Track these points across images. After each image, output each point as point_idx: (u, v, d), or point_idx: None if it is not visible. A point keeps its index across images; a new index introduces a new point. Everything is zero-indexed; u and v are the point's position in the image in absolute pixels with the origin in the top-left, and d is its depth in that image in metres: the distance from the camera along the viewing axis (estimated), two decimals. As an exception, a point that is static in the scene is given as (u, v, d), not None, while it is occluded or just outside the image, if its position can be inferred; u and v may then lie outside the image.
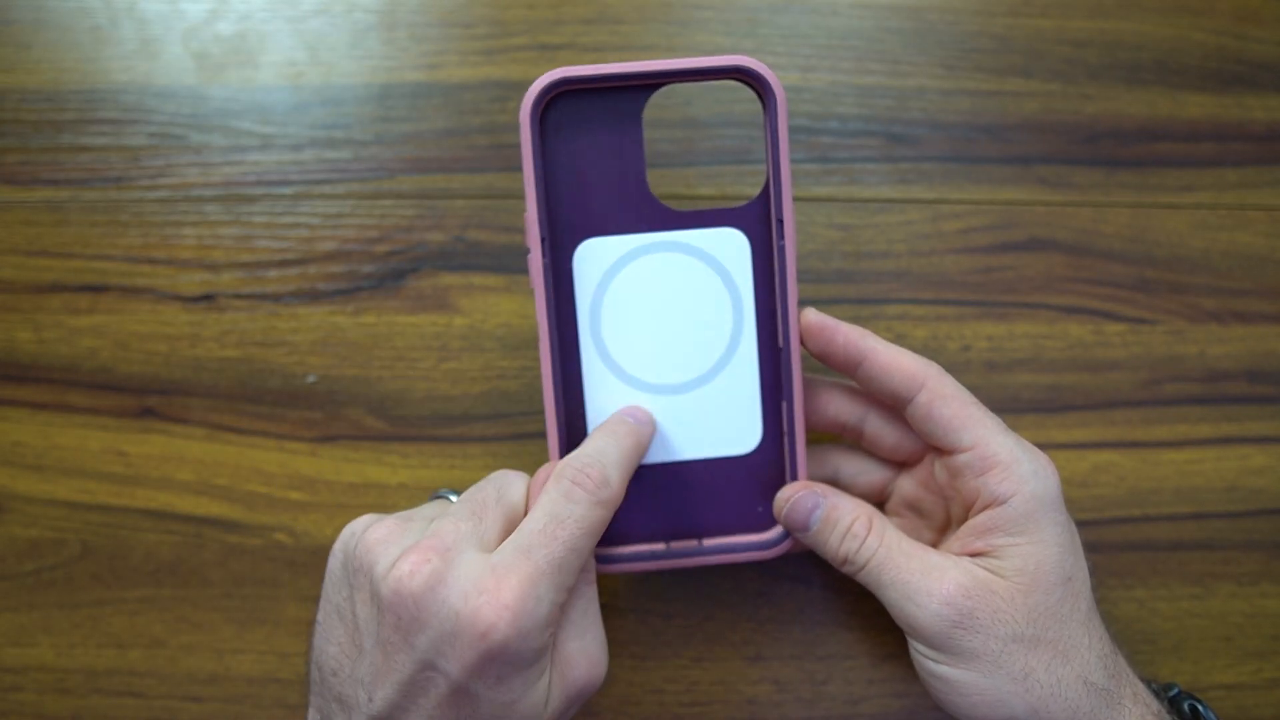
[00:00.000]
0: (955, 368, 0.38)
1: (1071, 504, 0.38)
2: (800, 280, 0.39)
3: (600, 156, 0.31)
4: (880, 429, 0.33)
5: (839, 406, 0.34)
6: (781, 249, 0.31)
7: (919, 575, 0.29)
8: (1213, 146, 0.40)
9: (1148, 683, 0.31)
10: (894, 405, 0.32)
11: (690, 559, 0.32)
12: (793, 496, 0.31)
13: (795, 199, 0.39)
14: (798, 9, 0.41)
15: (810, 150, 0.40)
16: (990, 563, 0.30)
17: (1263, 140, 0.41)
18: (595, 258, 0.31)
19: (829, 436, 0.36)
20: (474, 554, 0.27)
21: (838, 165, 0.40)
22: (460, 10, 0.40)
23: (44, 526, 0.37)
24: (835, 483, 0.35)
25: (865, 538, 0.30)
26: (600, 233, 0.31)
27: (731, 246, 0.32)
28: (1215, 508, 0.38)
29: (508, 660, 0.27)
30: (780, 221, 0.31)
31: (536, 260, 0.30)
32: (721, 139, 0.39)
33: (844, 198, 0.39)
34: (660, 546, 0.33)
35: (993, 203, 0.40)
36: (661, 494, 0.33)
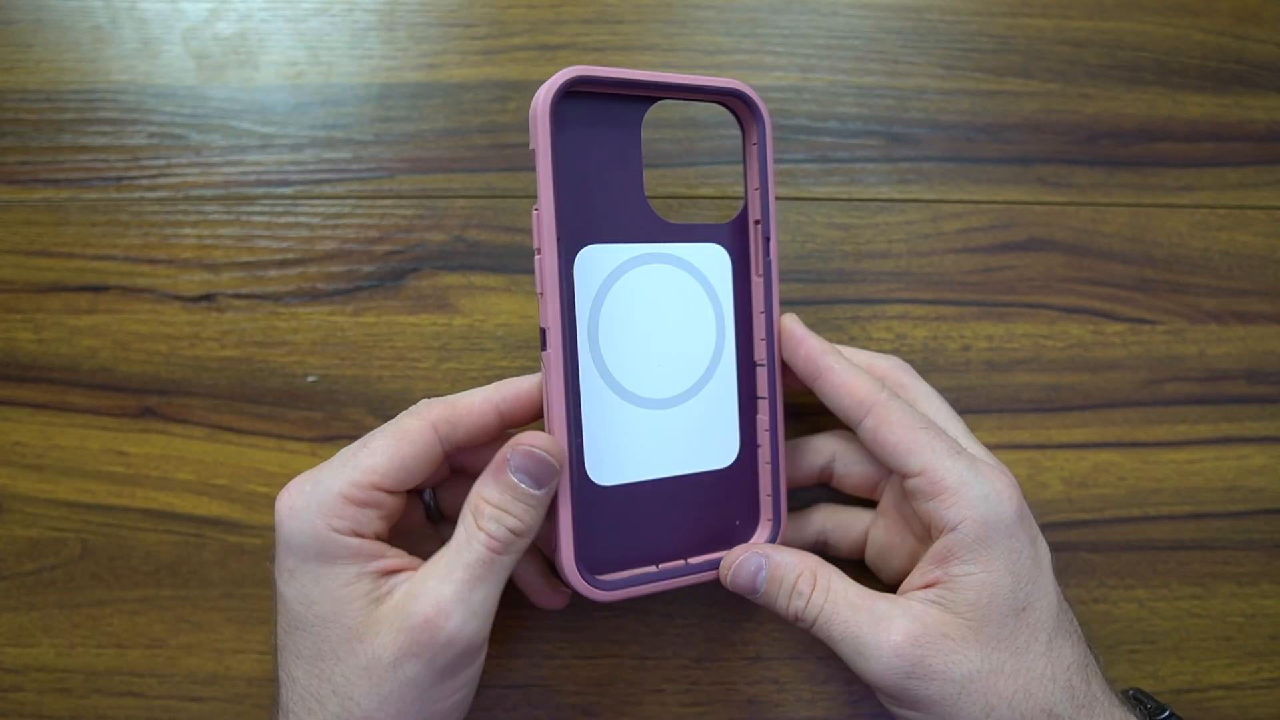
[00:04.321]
0: (955, 367, 0.38)
1: (1071, 504, 0.38)
2: (800, 280, 0.39)
3: (602, 163, 0.30)
4: (848, 468, 0.34)
5: (808, 456, 0.35)
6: (768, 264, 0.32)
7: (867, 628, 0.28)
8: (1213, 146, 0.40)
9: (1141, 701, 0.31)
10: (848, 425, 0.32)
11: (681, 579, 0.32)
12: (735, 561, 0.31)
13: (795, 199, 0.39)
14: (798, 9, 0.40)
15: (810, 150, 0.40)
16: (945, 595, 0.29)
17: (1263, 140, 0.40)
18: (595, 265, 0.30)
19: (825, 425, 0.36)
20: (311, 471, 0.29)
21: (838, 165, 0.40)
22: (460, 10, 0.40)
23: (44, 526, 0.37)
24: (828, 475, 0.35)
25: (810, 594, 0.30)
26: (600, 240, 0.30)
27: (715, 261, 0.32)
28: (1215, 508, 0.38)
29: (290, 546, 0.28)
30: (768, 239, 0.32)
31: (550, 261, 0.28)
32: (721, 139, 0.39)
33: (844, 198, 0.39)
34: (652, 569, 0.32)
35: (993, 203, 0.40)
36: (649, 513, 0.32)
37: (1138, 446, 0.39)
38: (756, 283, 0.33)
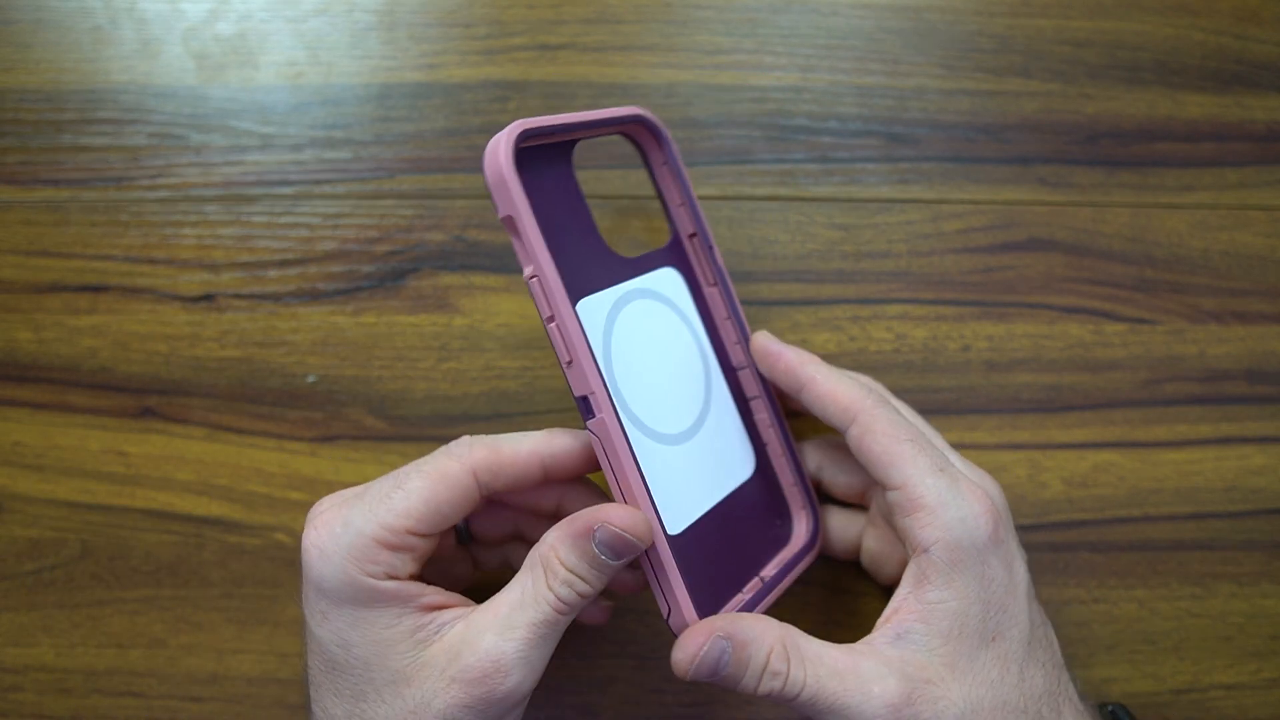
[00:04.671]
0: (955, 367, 0.38)
1: (1071, 504, 0.38)
2: (800, 280, 0.39)
3: (560, 214, 0.29)
4: (834, 476, 0.34)
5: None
6: (720, 272, 0.33)
7: (858, 696, 0.27)
8: (1213, 146, 0.40)
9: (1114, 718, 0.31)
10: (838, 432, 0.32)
11: (768, 597, 0.30)
12: (694, 653, 0.27)
13: (795, 199, 0.39)
14: (798, 9, 0.41)
15: (810, 150, 0.40)
16: (917, 630, 0.28)
17: (1263, 140, 0.40)
18: (593, 317, 0.29)
19: (821, 430, 0.36)
20: (339, 504, 0.28)
21: (838, 165, 0.40)
22: (460, 10, 0.40)
23: (44, 526, 0.37)
24: (815, 484, 0.35)
25: (788, 673, 0.27)
26: (587, 292, 0.29)
27: (673, 284, 0.33)
28: (1215, 508, 0.38)
29: (321, 589, 0.27)
30: (710, 248, 0.33)
31: (572, 324, 0.26)
32: (721, 139, 0.39)
33: (844, 198, 0.39)
34: (746, 596, 0.30)
35: (993, 203, 0.40)
36: (715, 545, 0.30)
37: (1138, 446, 0.39)
38: (711, 293, 0.33)
